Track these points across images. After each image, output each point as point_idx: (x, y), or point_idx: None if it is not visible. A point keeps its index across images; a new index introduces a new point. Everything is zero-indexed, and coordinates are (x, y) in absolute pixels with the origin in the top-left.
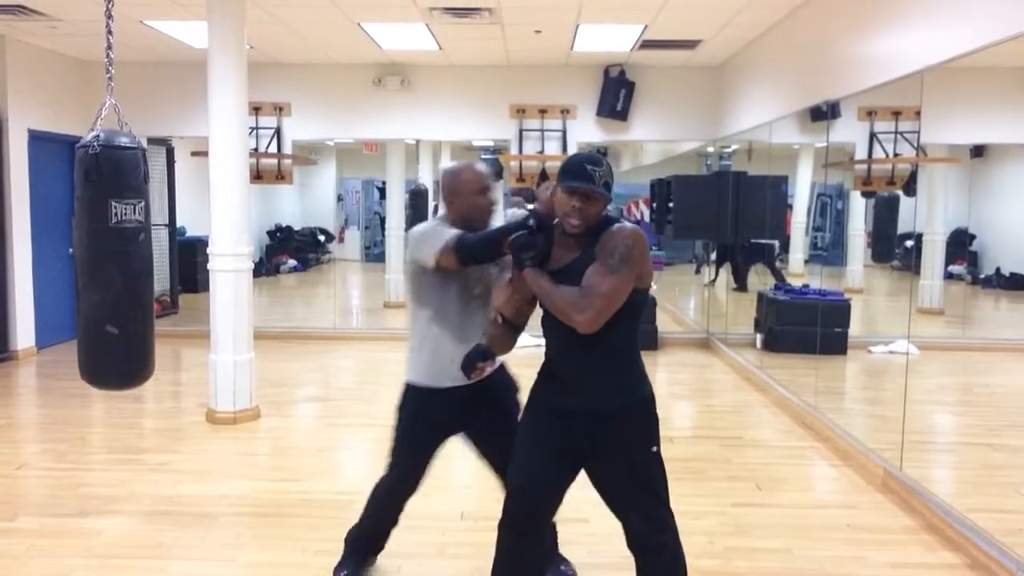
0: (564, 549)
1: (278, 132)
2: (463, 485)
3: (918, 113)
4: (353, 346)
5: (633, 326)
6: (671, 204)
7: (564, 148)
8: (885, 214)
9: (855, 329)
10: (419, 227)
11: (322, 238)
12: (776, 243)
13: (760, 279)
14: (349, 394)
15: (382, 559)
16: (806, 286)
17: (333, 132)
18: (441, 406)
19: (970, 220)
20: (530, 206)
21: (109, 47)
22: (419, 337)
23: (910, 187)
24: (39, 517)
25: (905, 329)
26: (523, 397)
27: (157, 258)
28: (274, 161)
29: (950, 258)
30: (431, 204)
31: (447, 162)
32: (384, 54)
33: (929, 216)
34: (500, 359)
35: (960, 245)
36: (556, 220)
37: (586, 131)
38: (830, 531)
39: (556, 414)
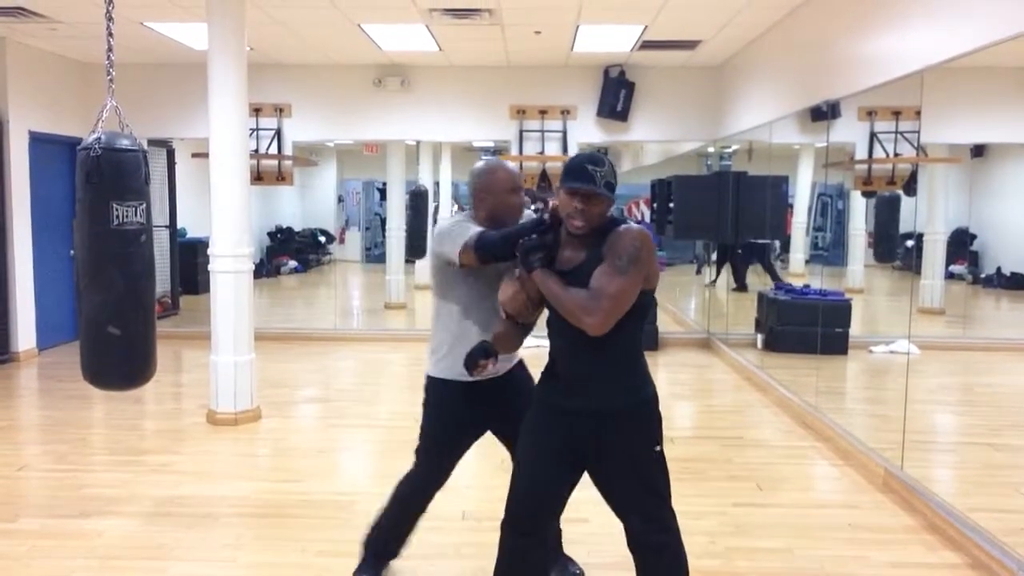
0: (565, 549)
1: (278, 133)
2: (464, 485)
3: (918, 113)
4: (354, 347)
5: (639, 327)
6: (671, 204)
7: (564, 149)
8: (887, 214)
9: (856, 329)
10: (444, 222)
11: (323, 239)
12: (774, 242)
13: (760, 279)
14: (350, 395)
15: None
16: (807, 286)
17: (333, 133)
18: (465, 400)
19: (971, 220)
20: (532, 207)
21: (110, 49)
22: (443, 331)
23: (910, 187)
24: (40, 518)
25: (906, 329)
26: None
27: (158, 259)
28: (274, 162)
29: (951, 258)
30: (431, 205)
31: (446, 162)
32: (384, 55)
33: (930, 216)
34: (517, 357)
35: (961, 245)
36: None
37: (586, 132)
38: (831, 531)
39: (560, 414)
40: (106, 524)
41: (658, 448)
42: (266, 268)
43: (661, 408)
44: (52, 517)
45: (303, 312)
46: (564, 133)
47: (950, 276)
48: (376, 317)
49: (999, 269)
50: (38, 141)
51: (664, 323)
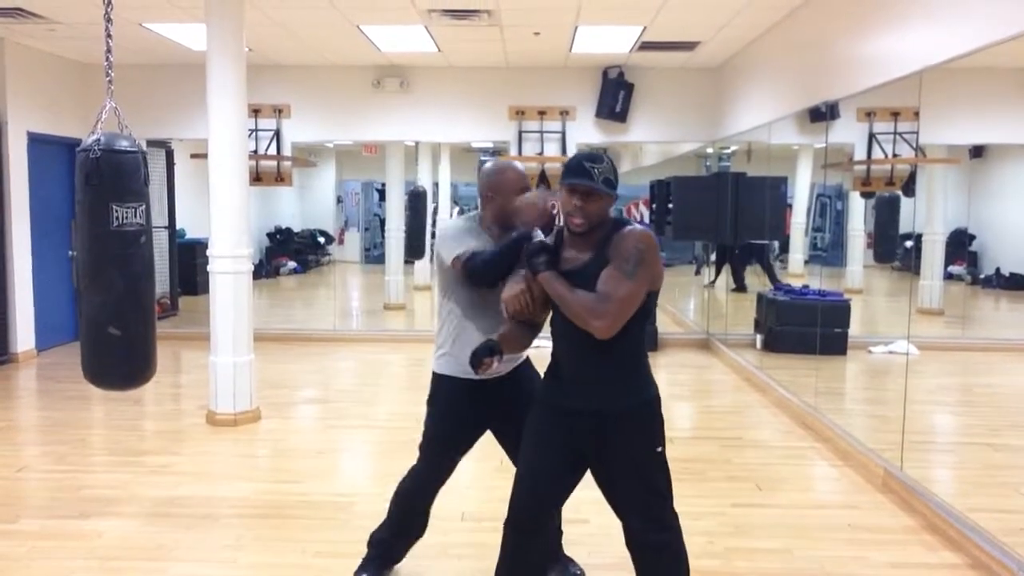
0: (565, 549)
1: (277, 134)
2: (464, 486)
3: (917, 114)
4: (353, 348)
5: (642, 328)
6: (670, 205)
7: (563, 150)
8: (886, 214)
9: (855, 329)
10: (449, 223)
11: (322, 240)
12: (772, 243)
13: (760, 280)
14: (349, 396)
15: None
16: (806, 287)
17: (332, 134)
18: (469, 397)
19: (970, 220)
20: None
21: (109, 50)
22: (447, 329)
23: (909, 188)
24: (40, 519)
25: (905, 329)
26: None
27: (157, 260)
28: (273, 163)
29: (950, 258)
30: (430, 206)
31: (445, 163)
32: (383, 56)
33: (928, 216)
34: (523, 355)
35: (960, 245)
36: (547, 226)
37: (585, 132)
38: (830, 531)
39: (562, 413)
40: (106, 525)
41: (660, 449)
42: (265, 269)
43: (661, 409)
44: (52, 518)
45: (302, 313)
46: (563, 134)
47: (949, 277)
48: (375, 318)
49: (998, 270)
50: (37, 142)
51: (663, 324)
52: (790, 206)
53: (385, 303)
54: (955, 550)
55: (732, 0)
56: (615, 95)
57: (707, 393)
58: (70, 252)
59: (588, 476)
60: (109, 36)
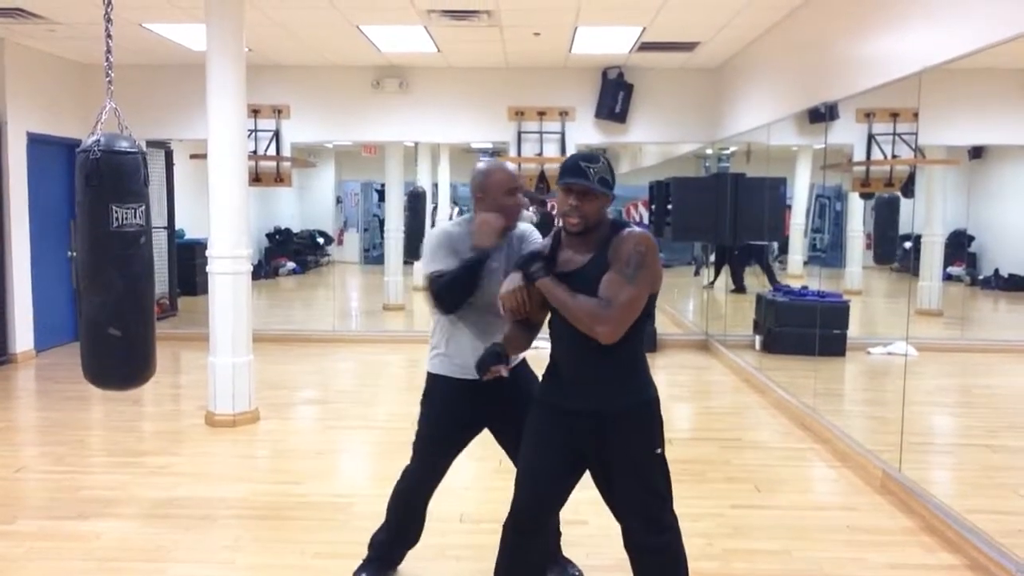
0: (564, 551)
1: (277, 134)
2: (463, 487)
3: (916, 115)
4: (352, 349)
5: (641, 329)
6: (670, 206)
7: (563, 150)
8: (886, 215)
9: (854, 331)
10: (434, 231)
11: (321, 240)
12: (771, 244)
13: (759, 281)
14: (348, 397)
15: None
16: (805, 288)
17: (332, 134)
18: (462, 397)
19: (969, 221)
20: (531, 208)
21: (109, 51)
22: (440, 331)
23: (908, 189)
24: (38, 520)
25: (904, 331)
26: None
27: (156, 260)
28: (273, 164)
29: (949, 259)
30: (429, 206)
31: (444, 164)
32: (383, 56)
33: (928, 218)
34: (521, 356)
35: (959, 246)
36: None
37: (585, 133)
38: (829, 533)
39: (561, 414)
40: (104, 526)
41: (659, 451)
42: (264, 269)
43: (660, 410)
44: (50, 519)
45: (301, 313)
46: (562, 135)
47: (948, 278)
48: (374, 318)
49: (997, 271)
50: (36, 142)
51: (662, 325)
52: (789, 207)
53: (384, 304)
54: (953, 551)
55: (732, 0)
56: (615, 96)
57: (706, 394)
58: (69, 252)
59: (587, 476)
60: (109, 36)
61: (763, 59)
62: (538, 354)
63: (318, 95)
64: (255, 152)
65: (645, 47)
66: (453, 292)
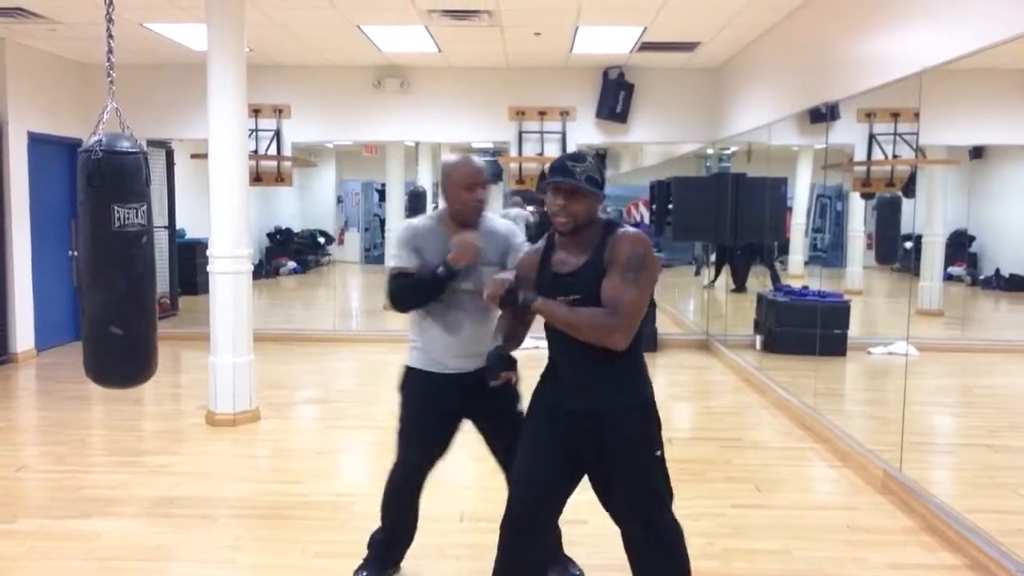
0: (565, 550)
1: (277, 134)
2: (462, 486)
3: (917, 115)
4: (353, 348)
5: (640, 330)
6: (670, 206)
7: (563, 150)
8: (887, 215)
9: (854, 331)
10: (402, 225)
11: (322, 240)
12: (772, 244)
13: (760, 281)
14: (349, 396)
15: None
16: (805, 287)
17: (332, 134)
18: (439, 389)
19: (969, 221)
20: (530, 209)
21: (110, 51)
22: (414, 328)
23: (909, 189)
24: (39, 519)
25: (904, 330)
26: (525, 393)
27: (157, 260)
28: (273, 163)
29: (949, 259)
30: (430, 206)
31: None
32: (383, 56)
33: (928, 218)
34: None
35: (959, 246)
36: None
37: (585, 133)
38: (829, 532)
39: (559, 415)
40: (105, 525)
41: (659, 453)
42: (265, 269)
43: (660, 409)
44: (51, 518)
45: (302, 313)
46: (563, 134)
47: (949, 278)
48: (375, 318)
49: (998, 271)
50: (37, 142)
51: (663, 324)
52: (790, 207)
53: (385, 304)
54: (954, 551)
55: (732, 1)
56: (615, 96)
57: (706, 394)
58: (70, 252)
59: (587, 477)
60: (110, 36)
61: (764, 59)
62: (539, 353)
63: (319, 95)
64: (256, 152)
65: (646, 47)
66: (411, 297)
